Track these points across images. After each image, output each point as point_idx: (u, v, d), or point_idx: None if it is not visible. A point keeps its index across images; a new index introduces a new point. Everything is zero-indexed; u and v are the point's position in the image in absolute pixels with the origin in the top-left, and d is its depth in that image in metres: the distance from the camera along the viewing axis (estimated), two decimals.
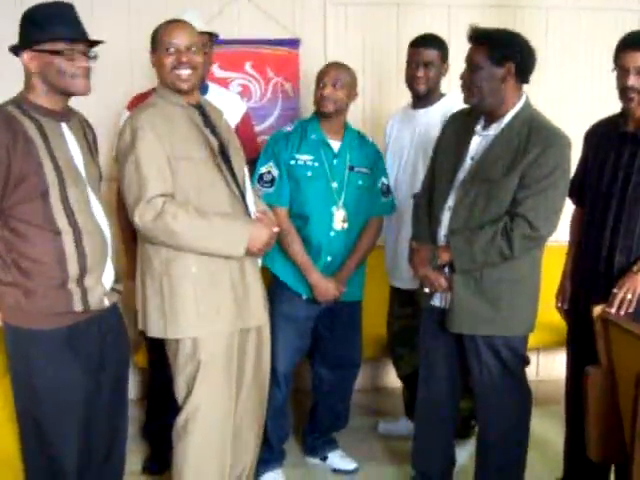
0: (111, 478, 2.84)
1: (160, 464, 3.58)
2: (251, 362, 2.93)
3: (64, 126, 2.52)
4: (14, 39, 2.45)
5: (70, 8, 2.48)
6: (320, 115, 3.32)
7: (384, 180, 3.45)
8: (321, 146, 3.30)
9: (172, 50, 2.69)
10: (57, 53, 2.39)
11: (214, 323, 2.73)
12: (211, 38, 3.40)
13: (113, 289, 2.66)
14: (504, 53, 2.74)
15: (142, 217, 2.60)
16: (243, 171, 2.90)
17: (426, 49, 3.43)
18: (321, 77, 3.29)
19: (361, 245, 3.38)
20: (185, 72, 2.70)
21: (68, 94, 2.48)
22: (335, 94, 3.24)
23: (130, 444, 3.00)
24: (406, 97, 3.68)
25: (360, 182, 3.35)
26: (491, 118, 2.86)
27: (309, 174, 3.26)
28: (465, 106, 2.96)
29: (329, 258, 3.31)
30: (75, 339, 2.51)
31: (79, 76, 2.44)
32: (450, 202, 2.89)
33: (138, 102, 3.43)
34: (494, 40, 2.77)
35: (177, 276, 2.69)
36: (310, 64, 4.09)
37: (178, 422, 2.82)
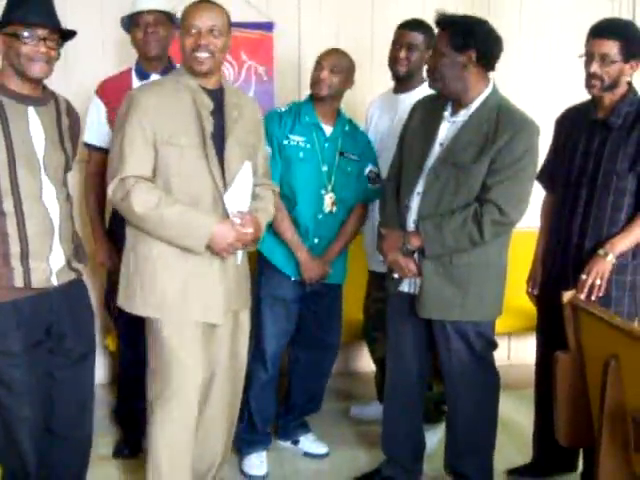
0: (78, 454, 2.86)
1: (132, 448, 3.56)
2: (225, 351, 2.90)
3: (31, 110, 2.53)
4: None
5: None
6: (314, 98, 3.33)
7: (372, 168, 3.44)
8: (314, 129, 3.31)
9: (193, 32, 2.65)
10: (16, 36, 2.42)
11: (161, 308, 2.72)
12: (169, 16, 3.38)
13: (71, 268, 2.68)
14: (465, 40, 2.74)
15: (114, 193, 2.64)
16: (240, 166, 2.78)
17: (411, 31, 3.43)
18: (319, 60, 3.30)
19: (347, 229, 3.41)
20: (203, 55, 2.66)
21: (26, 77, 2.48)
22: (330, 78, 3.25)
23: (101, 428, 3.02)
24: (380, 83, 3.67)
25: (349, 168, 3.36)
26: (458, 104, 2.86)
27: (301, 155, 3.27)
28: None
29: (316, 240, 3.33)
30: (18, 314, 2.53)
31: (37, 60, 2.45)
32: (419, 188, 2.89)
33: (107, 86, 3.42)
34: (456, 27, 2.77)
35: (141, 254, 2.73)
36: (284, 48, 4.08)
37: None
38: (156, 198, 2.60)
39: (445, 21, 2.80)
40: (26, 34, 2.42)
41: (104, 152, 3.37)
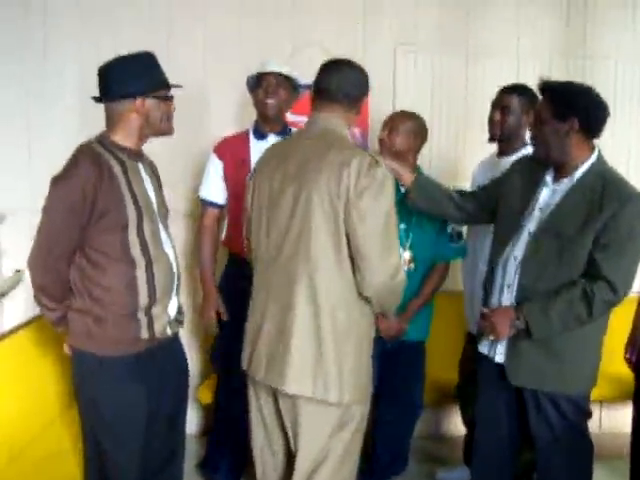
0: None
1: None
2: None
3: (140, 165, 2.68)
4: None
5: (156, 57, 2.67)
6: None
7: (455, 225, 3.47)
8: None
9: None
10: (166, 99, 2.62)
11: (369, 387, 2.66)
12: (290, 81, 3.52)
13: (176, 320, 2.77)
14: (567, 108, 2.71)
15: (393, 278, 2.48)
16: None
17: (507, 94, 3.46)
18: (384, 121, 3.45)
19: (426, 288, 3.46)
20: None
21: (162, 135, 2.68)
22: (392, 139, 3.35)
23: (187, 479, 3.04)
24: (474, 142, 3.70)
25: (427, 227, 3.41)
26: (561, 171, 2.81)
27: None
28: None
29: None
30: (140, 366, 2.61)
31: (171, 118, 2.67)
32: (516, 252, 2.84)
33: (226, 145, 3.59)
34: (557, 94, 2.75)
35: (368, 339, 2.63)
36: (379, 110, 4.14)
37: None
38: None
39: (547, 88, 2.78)
40: (167, 95, 2.66)
41: (218, 207, 3.58)
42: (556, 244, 2.73)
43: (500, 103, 3.46)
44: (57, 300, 2.59)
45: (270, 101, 3.45)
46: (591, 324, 2.75)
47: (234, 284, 3.50)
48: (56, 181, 2.49)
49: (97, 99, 2.63)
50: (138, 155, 2.68)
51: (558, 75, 4.38)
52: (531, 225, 2.84)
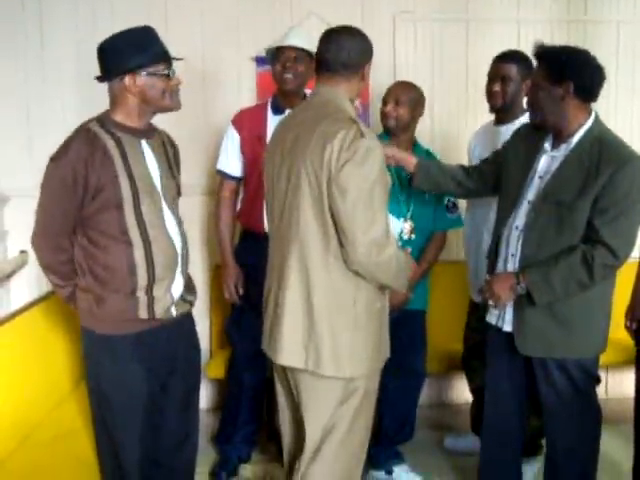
0: None
1: (228, 473, 3.67)
2: None
3: (144, 143, 2.64)
4: None
5: (154, 30, 2.61)
6: (386, 131, 3.43)
7: (450, 197, 3.52)
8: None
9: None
10: (164, 75, 2.55)
11: (375, 361, 2.65)
12: (310, 56, 3.42)
13: (184, 299, 2.77)
14: (562, 71, 2.68)
15: (369, 254, 2.40)
16: None
17: (505, 64, 3.41)
18: (385, 94, 3.45)
19: (426, 257, 3.51)
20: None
21: (164, 111, 2.63)
22: (396, 111, 3.36)
23: (199, 452, 3.07)
24: (475, 113, 3.69)
25: (427, 197, 3.44)
26: (559, 137, 2.80)
27: None
28: None
29: None
30: (141, 346, 2.62)
31: (176, 93, 2.62)
32: (517, 222, 2.85)
33: (244, 117, 3.58)
34: (552, 58, 2.73)
35: (364, 309, 2.54)
36: (379, 81, 4.13)
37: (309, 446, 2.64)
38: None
39: (541, 53, 2.76)
40: (167, 70, 2.57)
41: (236, 180, 3.60)
42: (555, 211, 2.73)
43: (498, 74, 3.42)
44: (64, 278, 2.63)
45: (288, 75, 3.41)
46: (597, 288, 2.75)
47: (246, 259, 3.54)
48: (50, 161, 2.52)
49: (99, 79, 2.61)
50: (144, 132, 2.65)
51: (559, 41, 4.34)
52: (531, 194, 2.84)
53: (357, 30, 2.60)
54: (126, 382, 2.61)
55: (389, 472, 3.68)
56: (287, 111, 3.40)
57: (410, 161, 3.16)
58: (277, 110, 3.51)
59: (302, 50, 3.42)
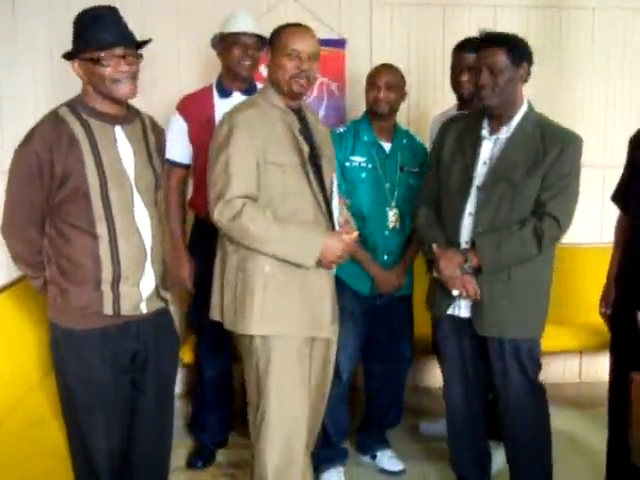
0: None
1: (205, 460, 3.66)
2: (315, 376, 2.93)
3: (118, 129, 2.51)
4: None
5: (110, 11, 2.46)
6: (373, 116, 3.38)
7: None
8: (373, 147, 3.36)
9: (293, 55, 2.71)
10: (96, 61, 2.38)
11: (278, 324, 2.72)
12: (262, 41, 3.42)
13: (159, 296, 2.66)
14: (521, 54, 2.80)
15: (221, 215, 2.63)
16: (332, 180, 2.90)
17: (469, 53, 3.38)
18: (373, 80, 3.35)
19: (415, 241, 3.44)
20: (302, 80, 2.73)
21: (114, 99, 2.47)
22: (388, 96, 3.31)
23: (174, 439, 3.03)
24: (451, 97, 3.68)
25: (411, 181, 3.41)
26: (497, 122, 2.89)
27: (363, 175, 3.33)
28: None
29: (385, 257, 3.39)
30: (107, 342, 2.53)
31: (121, 80, 2.42)
32: (470, 208, 2.90)
33: (189, 102, 3.51)
34: (513, 42, 2.81)
35: (251, 272, 2.70)
36: (356, 64, 4.12)
37: (254, 422, 2.81)
38: (268, 216, 2.64)
39: (501, 38, 2.82)
40: (104, 55, 2.37)
41: (184, 168, 3.51)
42: (506, 191, 2.83)
43: (464, 63, 3.44)
44: (35, 269, 2.55)
45: (248, 62, 3.40)
46: (546, 270, 2.96)
47: (202, 245, 3.42)
48: (17, 149, 2.43)
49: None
50: (116, 118, 2.52)
51: (535, 26, 4.38)
52: (478, 180, 2.90)
53: None
54: (90, 378, 2.51)
55: (373, 457, 3.72)
56: (235, 94, 3.43)
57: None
58: (224, 93, 3.48)
59: (257, 36, 3.40)
